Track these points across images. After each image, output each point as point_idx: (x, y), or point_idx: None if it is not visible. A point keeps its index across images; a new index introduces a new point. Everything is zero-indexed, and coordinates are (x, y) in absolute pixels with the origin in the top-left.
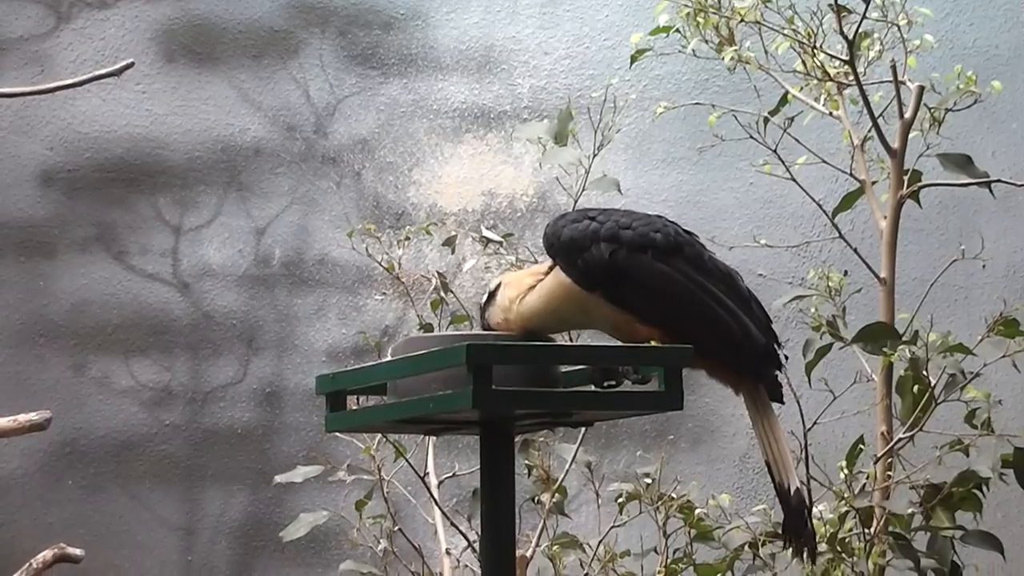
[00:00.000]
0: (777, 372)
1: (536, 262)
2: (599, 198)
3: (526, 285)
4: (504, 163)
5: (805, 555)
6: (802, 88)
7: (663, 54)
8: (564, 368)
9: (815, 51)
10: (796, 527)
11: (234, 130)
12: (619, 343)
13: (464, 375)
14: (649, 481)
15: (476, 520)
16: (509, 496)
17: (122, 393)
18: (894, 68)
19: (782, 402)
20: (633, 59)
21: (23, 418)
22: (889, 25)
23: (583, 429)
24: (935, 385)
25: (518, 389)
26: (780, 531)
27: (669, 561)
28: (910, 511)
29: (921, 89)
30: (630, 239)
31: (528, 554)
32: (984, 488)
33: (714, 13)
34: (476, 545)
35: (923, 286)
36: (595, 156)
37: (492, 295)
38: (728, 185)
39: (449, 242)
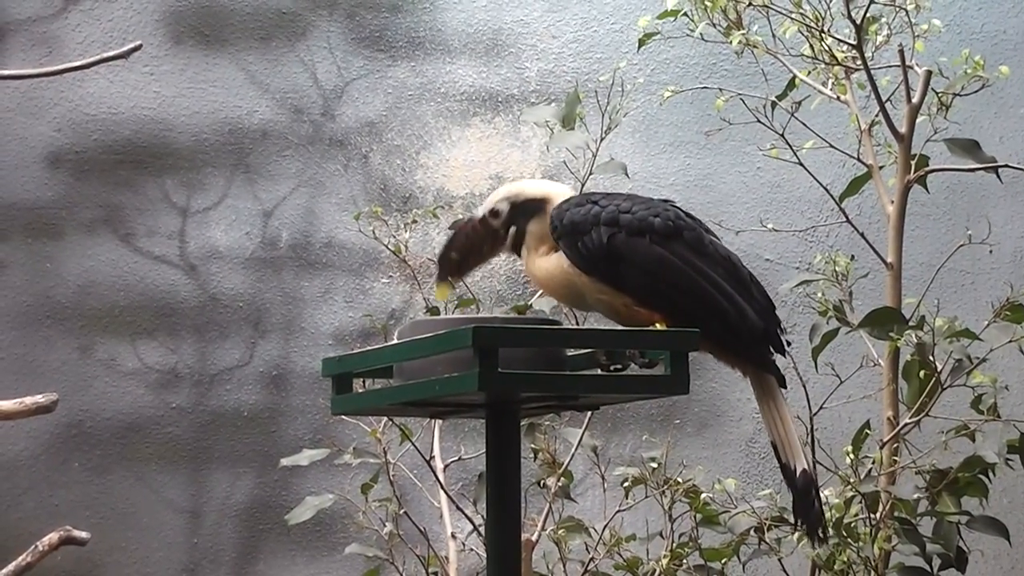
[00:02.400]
0: (778, 355)
1: None
2: (606, 182)
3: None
4: (512, 146)
5: (815, 536)
6: (810, 72)
7: (671, 38)
8: (570, 352)
9: (823, 35)
10: (804, 507)
11: (241, 112)
12: (624, 327)
13: (470, 357)
14: (655, 465)
15: (482, 504)
16: (515, 480)
17: (129, 375)
18: (902, 52)
19: (785, 387)
20: (641, 43)
21: (30, 400)
22: (897, 9)
23: (589, 413)
24: (941, 370)
25: (524, 372)
26: (791, 512)
27: (675, 545)
28: (916, 496)
29: (929, 74)
30: (628, 223)
31: (534, 538)
32: (990, 473)
33: None
34: (482, 529)
35: (930, 271)
36: (602, 140)
37: (541, 203)
38: (735, 169)
39: (456, 225)
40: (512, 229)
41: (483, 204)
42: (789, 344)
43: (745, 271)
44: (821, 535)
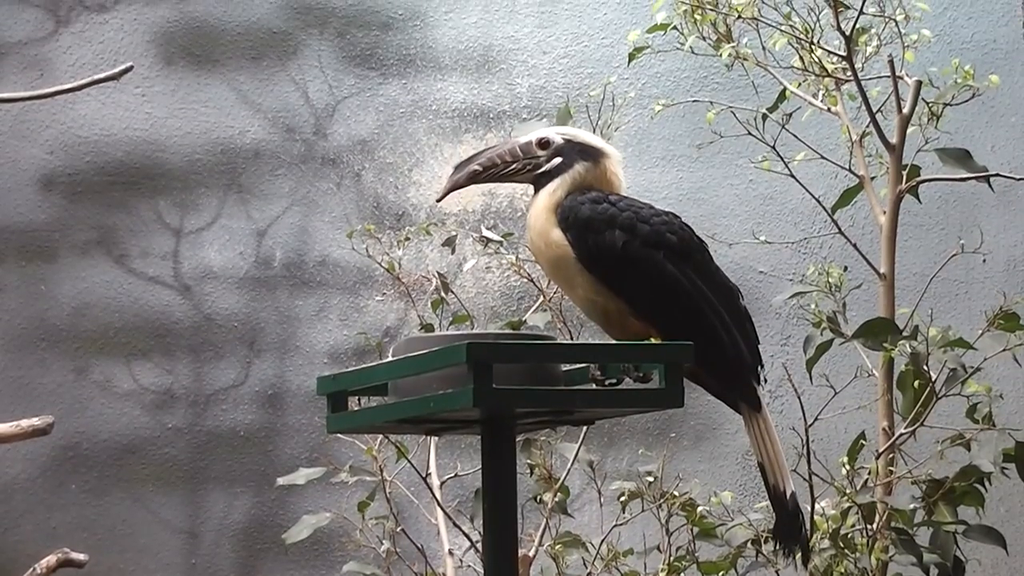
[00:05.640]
0: (756, 388)
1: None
2: None
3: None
4: None
5: (797, 559)
6: (800, 84)
7: (661, 51)
8: (565, 366)
9: (813, 47)
10: (791, 531)
11: (234, 132)
12: (612, 339)
13: (465, 374)
14: (651, 479)
15: (479, 520)
16: (511, 495)
17: (124, 396)
18: (892, 63)
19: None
20: (631, 57)
21: (25, 423)
22: (886, 20)
23: (585, 428)
24: (936, 380)
25: (519, 387)
26: (773, 534)
27: (672, 559)
28: (912, 506)
29: (919, 84)
30: (645, 234)
31: (531, 553)
32: (986, 482)
33: (711, 10)
34: (479, 545)
35: (923, 281)
36: None
37: (597, 152)
38: (728, 182)
39: (449, 242)
40: (556, 160)
41: (525, 134)
42: (766, 380)
43: (743, 305)
44: (804, 558)
